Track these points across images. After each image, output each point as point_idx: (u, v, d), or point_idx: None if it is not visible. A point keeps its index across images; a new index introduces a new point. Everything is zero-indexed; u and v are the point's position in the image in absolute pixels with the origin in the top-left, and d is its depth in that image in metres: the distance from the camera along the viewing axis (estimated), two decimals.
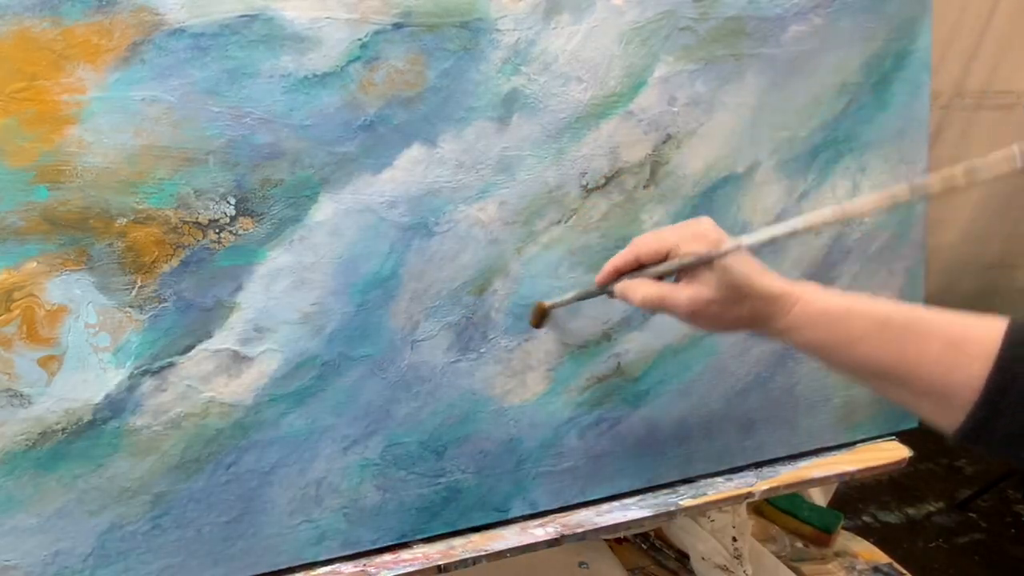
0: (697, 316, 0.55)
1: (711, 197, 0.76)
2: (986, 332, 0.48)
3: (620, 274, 0.59)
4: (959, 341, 0.48)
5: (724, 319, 0.55)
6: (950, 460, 1.90)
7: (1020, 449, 0.45)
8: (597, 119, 0.71)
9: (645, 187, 0.74)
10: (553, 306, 0.71)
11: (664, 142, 0.74)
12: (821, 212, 0.50)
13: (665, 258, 0.56)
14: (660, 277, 0.57)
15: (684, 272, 0.55)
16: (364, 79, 0.63)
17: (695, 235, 0.54)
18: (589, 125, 0.71)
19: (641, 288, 0.57)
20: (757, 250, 0.54)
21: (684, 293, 0.54)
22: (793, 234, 0.52)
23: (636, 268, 0.58)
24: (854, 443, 0.89)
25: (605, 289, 0.60)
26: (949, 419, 0.48)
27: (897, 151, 0.84)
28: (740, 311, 0.54)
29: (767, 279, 0.55)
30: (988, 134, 1.50)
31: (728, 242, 0.53)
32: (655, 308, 0.56)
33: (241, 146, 0.60)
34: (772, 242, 0.52)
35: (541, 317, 0.71)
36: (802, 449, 0.87)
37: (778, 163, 0.79)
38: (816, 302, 0.54)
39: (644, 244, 0.57)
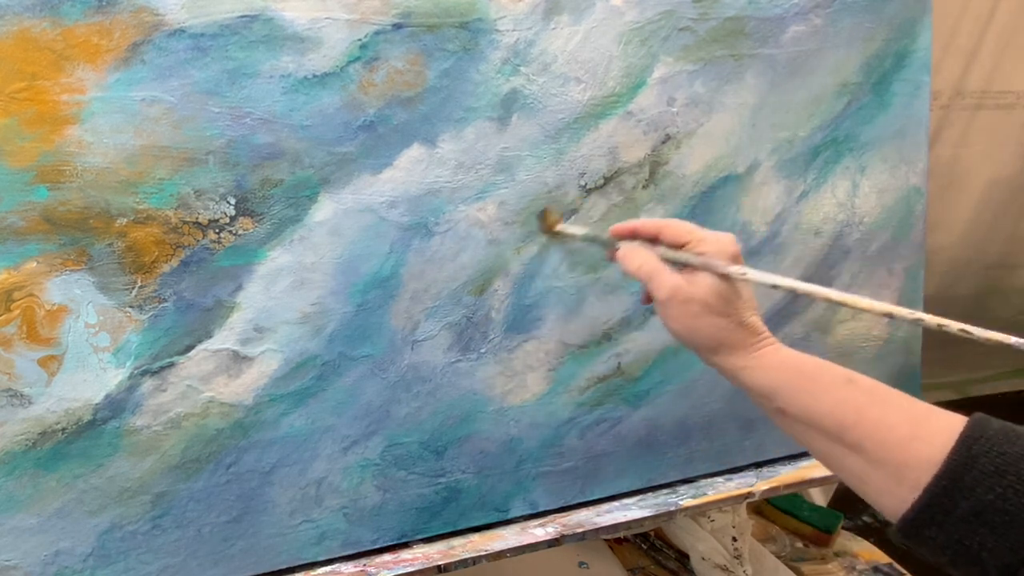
0: (672, 305, 0.54)
1: (710, 197, 0.77)
2: (948, 415, 0.46)
3: (635, 236, 0.60)
4: (922, 415, 0.46)
5: (695, 322, 0.54)
6: None
7: (978, 530, 0.42)
8: (596, 119, 0.71)
9: (644, 187, 0.74)
10: (562, 232, 0.70)
11: (663, 142, 0.74)
12: (828, 291, 0.51)
13: (681, 247, 0.56)
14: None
15: (687, 268, 0.55)
16: (364, 79, 0.63)
17: (718, 242, 0.55)
18: (588, 125, 0.71)
19: (642, 257, 0.57)
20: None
21: (675, 280, 0.55)
22: (793, 292, 0.53)
23: (651, 241, 0.58)
24: None
25: (612, 243, 0.61)
26: (900, 495, 0.45)
27: (897, 151, 0.84)
28: (713, 324, 0.54)
29: (753, 313, 0.55)
30: (988, 134, 1.49)
31: (740, 267, 0.53)
32: (643, 280, 0.57)
33: (241, 146, 0.60)
34: (773, 287, 0.53)
35: (549, 228, 0.70)
36: (802, 449, 0.87)
37: (778, 163, 0.79)
38: (786, 349, 0.55)
39: (670, 225, 0.58)
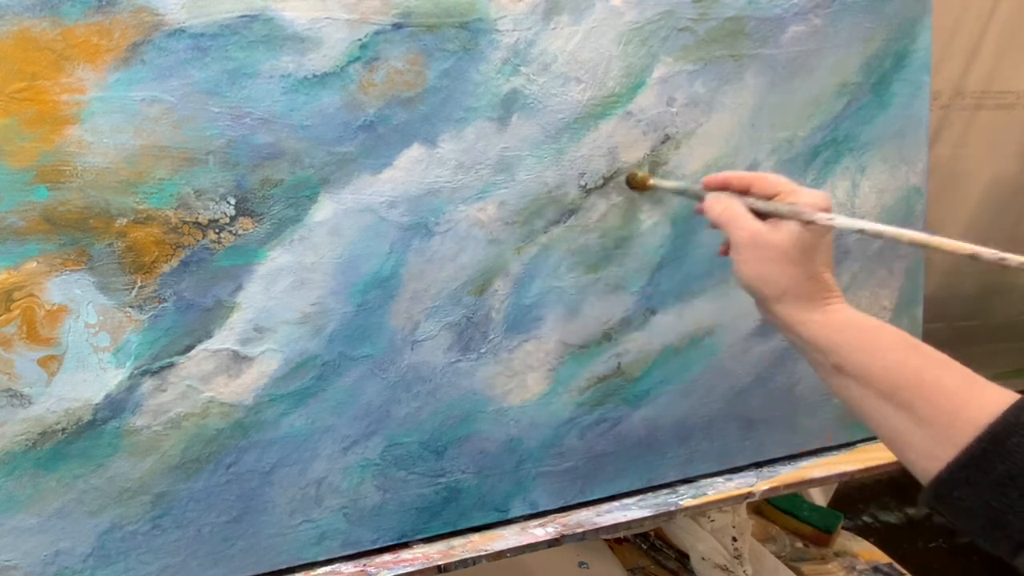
0: (748, 248, 0.55)
1: None
2: (1006, 390, 0.46)
3: (726, 187, 0.60)
4: (979, 384, 0.47)
5: (768, 268, 0.55)
6: None
7: (1009, 493, 0.42)
8: (596, 119, 0.71)
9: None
10: (655, 186, 0.71)
11: (663, 142, 0.74)
12: (913, 233, 0.51)
13: (771, 199, 0.57)
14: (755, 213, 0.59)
15: (773, 219, 0.56)
16: (364, 79, 0.63)
17: (811, 195, 0.55)
18: (588, 125, 0.71)
19: (726, 202, 0.58)
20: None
21: (756, 225, 0.55)
22: (880, 236, 0.53)
23: (741, 193, 0.59)
24: (854, 443, 0.89)
25: (701, 194, 0.62)
26: (940, 455, 0.46)
27: (897, 151, 0.84)
28: (786, 272, 0.54)
29: (828, 270, 0.56)
30: (988, 134, 1.50)
31: (826, 214, 0.54)
32: (724, 224, 0.57)
33: (241, 146, 0.60)
34: (860, 233, 0.54)
35: (641, 184, 0.72)
36: (802, 449, 0.87)
37: (777, 163, 0.79)
38: (852, 309, 0.55)
39: (761, 177, 0.58)
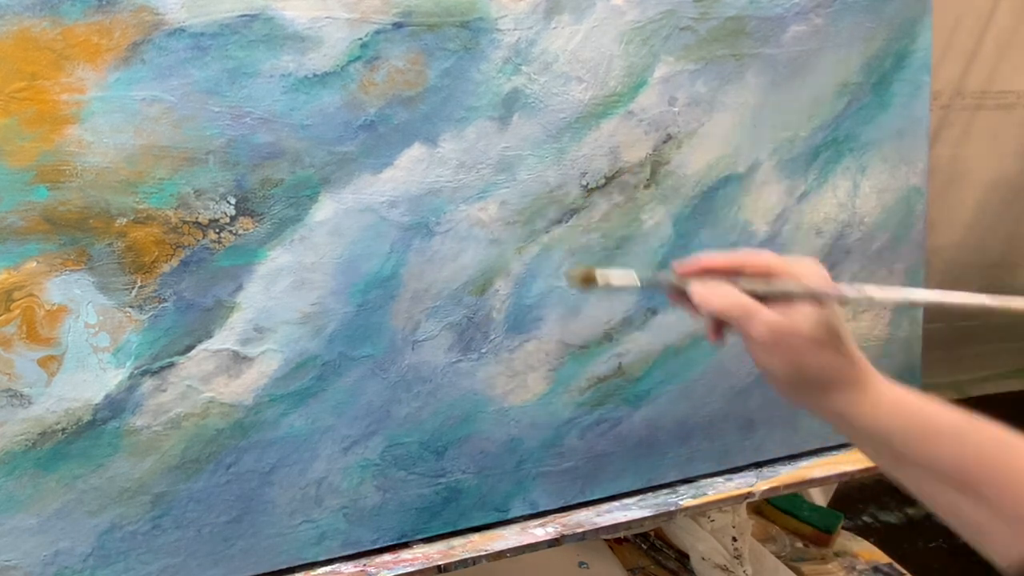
0: (774, 345, 0.48)
1: (712, 197, 0.76)
2: None
3: (707, 273, 0.52)
4: None
5: (802, 360, 0.48)
6: None
7: None
8: (597, 119, 0.71)
9: (645, 187, 0.74)
10: (609, 284, 0.58)
11: (664, 142, 0.74)
12: (980, 297, 0.46)
13: (767, 277, 0.50)
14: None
15: (777, 301, 0.49)
16: (364, 79, 0.63)
17: (809, 267, 0.49)
18: (589, 125, 0.71)
19: (727, 294, 0.49)
20: None
21: (771, 316, 0.47)
22: (940, 304, 0.47)
23: (728, 276, 0.51)
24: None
25: (680, 282, 0.52)
26: (1021, 548, 0.42)
27: (897, 151, 0.84)
28: (823, 359, 0.48)
29: (854, 343, 0.49)
30: (988, 134, 1.50)
31: (844, 287, 0.48)
32: (732, 321, 0.49)
33: (241, 146, 0.60)
34: (910, 304, 0.49)
35: (586, 282, 0.59)
36: (802, 449, 0.87)
37: (779, 163, 0.79)
38: (891, 384, 0.49)
39: (751, 255, 0.51)
